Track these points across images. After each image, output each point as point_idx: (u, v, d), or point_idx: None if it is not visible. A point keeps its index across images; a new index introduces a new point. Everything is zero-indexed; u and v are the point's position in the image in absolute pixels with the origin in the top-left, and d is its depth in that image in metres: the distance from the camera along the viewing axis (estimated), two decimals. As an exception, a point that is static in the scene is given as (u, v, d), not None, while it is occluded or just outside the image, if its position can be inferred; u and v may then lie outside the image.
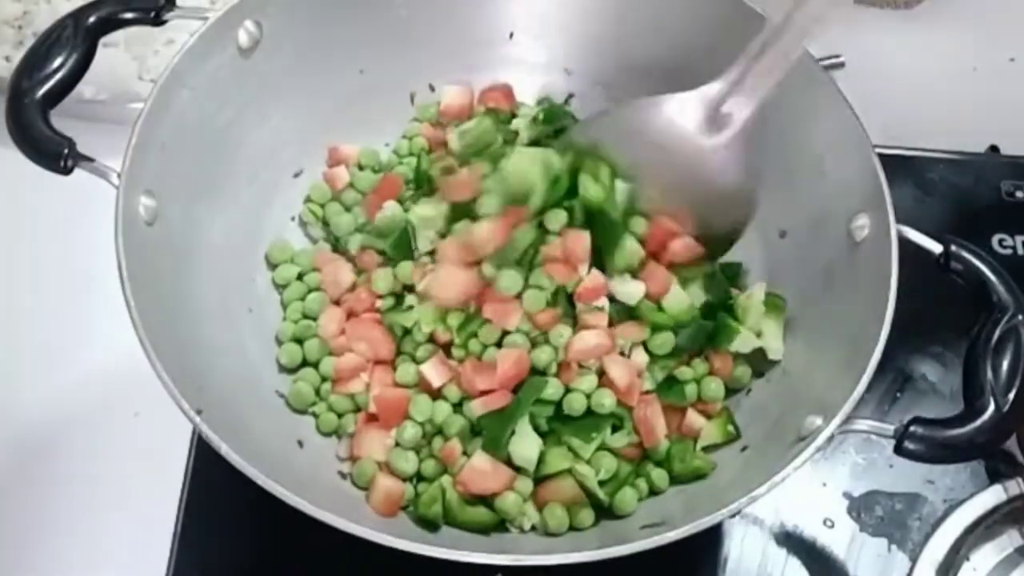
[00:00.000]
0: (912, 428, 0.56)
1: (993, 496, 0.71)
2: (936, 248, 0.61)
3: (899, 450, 0.56)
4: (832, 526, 0.72)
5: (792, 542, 0.71)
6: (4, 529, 0.71)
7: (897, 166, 0.82)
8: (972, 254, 0.61)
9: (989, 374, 0.57)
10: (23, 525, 0.72)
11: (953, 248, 0.61)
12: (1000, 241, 0.84)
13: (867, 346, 0.58)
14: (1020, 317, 0.58)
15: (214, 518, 0.70)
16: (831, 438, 0.56)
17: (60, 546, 0.71)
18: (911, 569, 0.70)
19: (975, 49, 0.96)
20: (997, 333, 0.58)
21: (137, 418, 0.74)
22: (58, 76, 0.63)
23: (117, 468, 0.73)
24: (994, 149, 0.90)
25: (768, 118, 0.72)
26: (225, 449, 0.54)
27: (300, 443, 0.66)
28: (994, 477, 0.72)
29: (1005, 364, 0.57)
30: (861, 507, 0.72)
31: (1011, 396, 0.56)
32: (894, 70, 0.93)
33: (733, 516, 0.54)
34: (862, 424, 0.57)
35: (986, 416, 0.56)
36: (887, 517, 0.72)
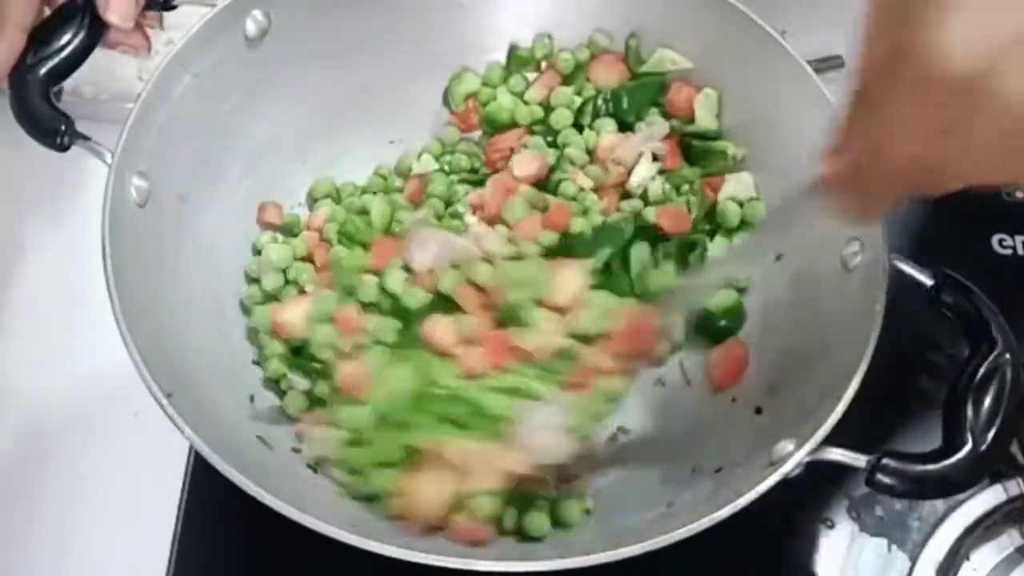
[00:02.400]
0: (884, 461, 0.55)
1: (993, 496, 0.71)
2: (928, 281, 0.61)
3: (870, 482, 0.55)
4: (832, 526, 0.72)
5: (792, 542, 0.71)
6: (4, 529, 0.71)
7: (897, 166, 0.82)
8: (963, 289, 0.60)
9: (969, 411, 0.55)
10: (23, 525, 0.71)
11: (944, 281, 0.60)
12: (1000, 241, 0.84)
13: (846, 376, 0.58)
14: (1007, 356, 0.57)
15: (214, 518, 0.70)
16: (802, 466, 0.56)
17: (60, 546, 0.71)
18: (911, 569, 0.70)
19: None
20: (982, 370, 0.57)
21: (137, 418, 0.74)
22: (64, 54, 0.63)
23: (117, 468, 0.73)
24: (994, 149, 0.90)
25: (770, 138, 0.72)
26: (188, 432, 0.54)
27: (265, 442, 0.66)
28: (994, 477, 0.72)
29: (987, 402, 0.56)
30: (861, 507, 0.72)
31: (990, 436, 0.55)
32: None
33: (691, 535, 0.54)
34: (835, 453, 0.56)
35: (962, 454, 0.55)
36: (887, 517, 0.72)
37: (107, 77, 0.82)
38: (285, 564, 0.69)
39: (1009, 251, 0.84)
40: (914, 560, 0.70)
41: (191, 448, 0.71)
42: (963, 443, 0.55)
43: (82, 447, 0.74)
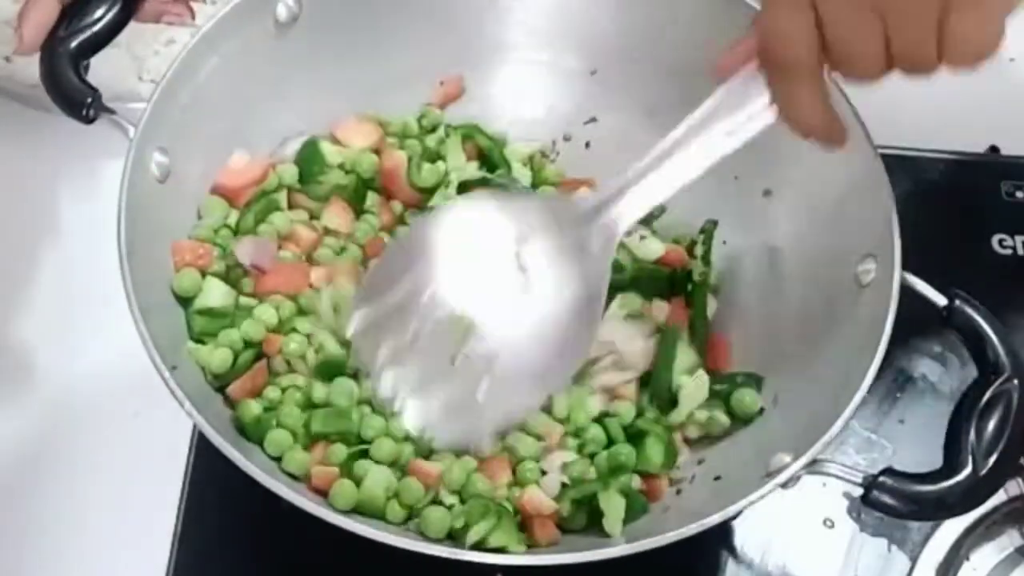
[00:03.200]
0: (881, 479, 0.55)
1: (993, 496, 0.71)
2: (940, 301, 0.60)
3: (866, 500, 0.55)
4: (832, 526, 0.72)
5: (792, 542, 0.71)
6: (5, 528, 0.71)
7: (897, 166, 0.82)
8: (975, 311, 0.59)
9: (972, 435, 0.55)
10: (23, 525, 0.71)
11: (957, 303, 0.60)
12: (1000, 241, 0.84)
13: (848, 392, 0.57)
14: (1015, 382, 0.56)
15: (214, 518, 0.70)
16: (798, 478, 0.55)
17: (60, 546, 0.71)
18: (911, 569, 0.70)
19: (975, 49, 0.96)
20: (988, 394, 0.56)
21: (137, 418, 0.74)
22: (95, 28, 0.63)
23: (117, 468, 0.73)
24: (994, 149, 0.90)
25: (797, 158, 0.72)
26: (188, 407, 0.54)
27: None
28: (994, 478, 0.72)
29: (990, 426, 0.55)
30: (861, 507, 0.72)
31: (991, 461, 0.54)
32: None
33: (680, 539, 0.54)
34: (832, 468, 0.56)
35: (961, 477, 0.54)
36: (887, 517, 0.72)
37: (107, 77, 0.82)
38: (285, 563, 0.69)
39: (1009, 251, 0.84)
40: (914, 560, 0.70)
41: (191, 448, 0.72)
42: (963, 466, 0.54)
43: (82, 447, 0.74)
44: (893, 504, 0.55)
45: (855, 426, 0.56)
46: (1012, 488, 0.71)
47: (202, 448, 0.71)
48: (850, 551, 0.71)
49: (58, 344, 0.78)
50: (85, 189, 0.83)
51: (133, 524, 0.70)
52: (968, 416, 0.56)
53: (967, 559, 0.70)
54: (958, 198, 0.86)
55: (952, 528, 0.70)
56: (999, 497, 0.71)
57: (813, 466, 0.56)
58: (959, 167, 0.87)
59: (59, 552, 0.71)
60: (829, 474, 0.56)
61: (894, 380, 0.77)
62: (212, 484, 0.70)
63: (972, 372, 0.59)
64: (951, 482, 0.55)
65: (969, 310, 0.59)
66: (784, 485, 0.55)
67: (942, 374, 0.77)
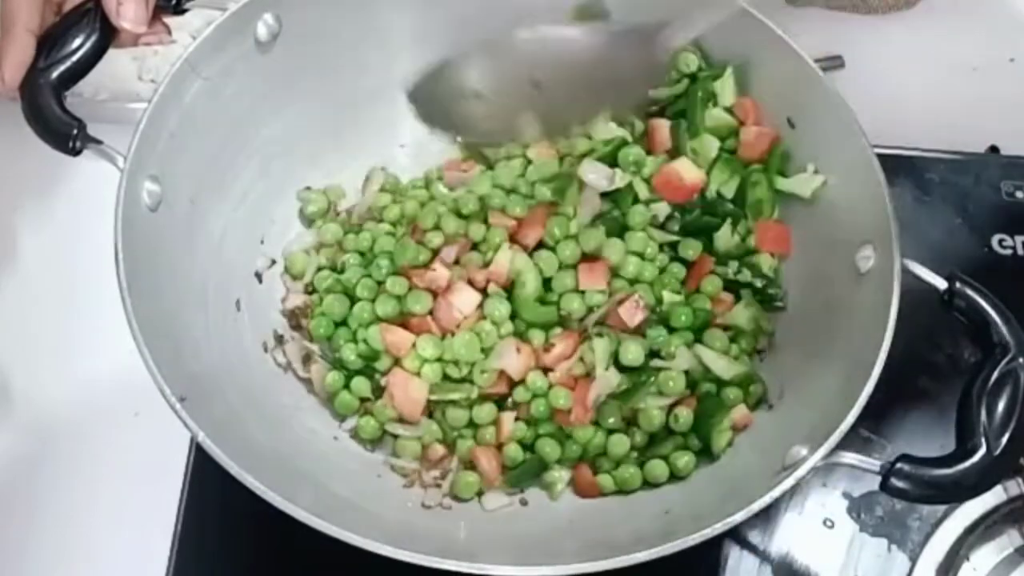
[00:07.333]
0: (899, 465, 0.55)
1: (993, 496, 0.71)
2: (941, 284, 0.60)
3: (885, 487, 0.55)
4: (832, 526, 0.72)
5: (792, 542, 0.71)
6: (5, 528, 0.71)
7: (897, 166, 0.83)
8: (976, 292, 0.59)
9: (983, 415, 0.55)
10: (23, 525, 0.72)
11: (957, 285, 0.60)
12: (1000, 241, 0.84)
13: (859, 381, 0.57)
14: (1021, 360, 0.57)
15: (214, 518, 0.70)
16: (815, 469, 0.55)
17: (60, 546, 0.71)
18: (911, 569, 0.70)
19: (975, 49, 0.96)
20: (996, 374, 0.56)
21: (137, 418, 0.74)
22: (75, 58, 0.63)
23: (117, 468, 0.73)
24: (994, 149, 0.90)
25: (789, 150, 0.72)
26: (202, 437, 0.54)
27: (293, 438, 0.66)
28: (994, 477, 0.72)
29: (1001, 406, 0.56)
30: (861, 507, 0.72)
31: (1004, 440, 0.55)
32: (894, 70, 0.93)
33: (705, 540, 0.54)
34: (848, 457, 0.56)
35: (976, 458, 0.55)
36: (887, 517, 0.72)
37: (106, 77, 0.82)
38: (285, 563, 0.69)
39: (1009, 251, 0.84)
40: (914, 560, 0.70)
41: (191, 448, 0.72)
42: (977, 447, 0.55)
43: (83, 447, 0.74)
44: (911, 489, 0.55)
45: (841, 456, 0.56)
46: (1012, 488, 0.71)
47: (202, 448, 0.71)
48: (850, 551, 0.71)
49: (59, 345, 0.78)
50: (87, 188, 0.83)
51: (133, 524, 0.70)
52: (977, 397, 0.56)
53: (967, 559, 0.70)
54: (958, 198, 0.86)
55: (952, 528, 0.71)
56: (999, 497, 0.71)
57: (829, 457, 0.56)
58: (959, 167, 0.87)
59: (59, 552, 0.71)
60: (846, 464, 0.56)
61: (896, 375, 0.77)
62: (212, 484, 0.70)
63: (966, 371, 0.59)
64: (967, 464, 0.55)
65: (970, 292, 0.60)
66: (803, 479, 0.55)
67: (943, 370, 0.77)
